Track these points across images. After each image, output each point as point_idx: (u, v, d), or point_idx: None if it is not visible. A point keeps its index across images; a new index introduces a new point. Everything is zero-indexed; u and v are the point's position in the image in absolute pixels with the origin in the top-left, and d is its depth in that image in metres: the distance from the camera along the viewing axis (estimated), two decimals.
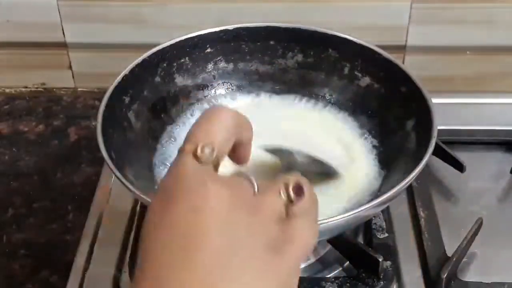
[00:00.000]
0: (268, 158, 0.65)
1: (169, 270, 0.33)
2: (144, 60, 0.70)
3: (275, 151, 0.65)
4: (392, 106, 0.70)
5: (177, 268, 0.33)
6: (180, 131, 0.72)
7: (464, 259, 0.66)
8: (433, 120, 0.62)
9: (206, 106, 0.75)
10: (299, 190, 0.37)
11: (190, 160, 0.37)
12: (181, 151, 0.38)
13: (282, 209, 0.37)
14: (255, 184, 0.37)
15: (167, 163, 0.69)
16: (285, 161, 0.65)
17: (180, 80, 0.74)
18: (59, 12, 0.89)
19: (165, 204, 0.36)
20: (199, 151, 0.37)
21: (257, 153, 0.58)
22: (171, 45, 0.72)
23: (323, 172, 0.65)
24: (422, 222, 0.69)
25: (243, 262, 0.34)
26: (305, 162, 0.64)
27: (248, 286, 0.33)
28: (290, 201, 0.37)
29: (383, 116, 0.71)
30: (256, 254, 0.34)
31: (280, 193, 0.37)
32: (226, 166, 0.41)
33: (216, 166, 0.38)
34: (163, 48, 0.72)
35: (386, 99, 0.71)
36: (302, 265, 0.66)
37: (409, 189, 0.72)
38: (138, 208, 0.71)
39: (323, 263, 0.67)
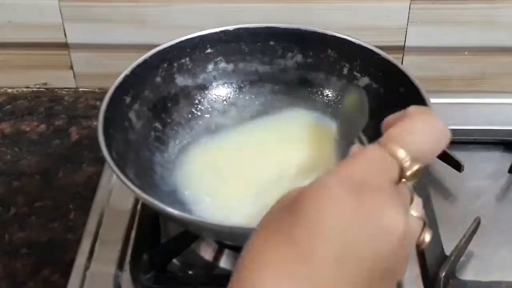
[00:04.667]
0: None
1: None
2: (145, 61, 0.70)
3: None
4: (391, 106, 0.70)
5: None
6: (180, 131, 0.73)
7: (462, 258, 0.66)
8: None
9: (206, 106, 0.75)
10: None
11: (385, 156, 0.37)
12: (381, 144, 0.37)
13: None
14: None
15: (168, 163, 0.70)
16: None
17: (181, 80, 0.74)
18: (61, 13, 0.89)
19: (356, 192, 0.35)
20: (400, 155, 0.37)
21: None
22: (172, 45, 0.72)
23: None
24: None
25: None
26: None
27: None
28: None
29: (382, 115, 0.71)
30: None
31: None
32: None
33: (401, 174, 0.37)
34: (164, 49, 0.72)
35: (385, 99, 0.71)
36: None
37: None
38: (139, 207, 0.72)
39: None
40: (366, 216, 0.34)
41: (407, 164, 0.37)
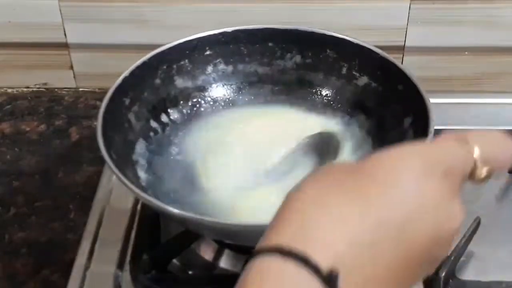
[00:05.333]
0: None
1: None
2: (144, 62, 0.70)
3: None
4: (390, 105, 0.71)
5: None
6: (179, 132, 0.73)
7: (462, 258, 0.66)
8: (430, 118, 0.63)
9: (206, 107, 0.75)
10: None
11: (464, 149, 0.38)
12: (459, 139, 0.38)
13: None
14: None
15: (167, 164, 0.70)
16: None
17: (180, 82, 0.74)
18: (61, 13, 0.89)
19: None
20: (476, 153, 0.38)
21: None
22: (171, 47, 0.72)
23: None
24: None
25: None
26: None
27: None
28: None
29: (381, 114, 0.72)
30: None
31: None
32: None
33: (472, 173, 0.38)
34: (163, 51, 0.72)
35: (384, 97, 0.71)
36: None
37: None
38: (139, 207, 0.72)
39: None
40: (436, 198, 0.35)
41: (479, 164, 0.38)
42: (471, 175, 0.38)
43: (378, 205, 0.34)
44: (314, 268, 0.32)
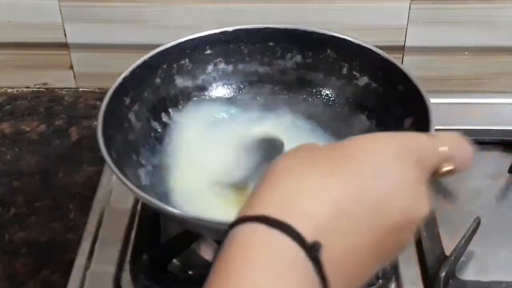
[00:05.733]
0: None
1: None
2: (144, 62, 0.70)
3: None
4: (390, 105, 0.71)
5: None
6: (180, 132, 0.73)
7: (462, 258, 0.66)
8: (431, 118, 0.63)
9: (206, 107, 0.75)
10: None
11: (434, 144, 0.41)
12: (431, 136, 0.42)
13: None
14: None
15: (167, 164, 0.70)
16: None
17: (180, 82, 0.74)
18: (61, 13, 0.89)
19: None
20: (443, 150, 0.41)
21: None
22: (171, 46, 0.72)
23: None
24: None
25: None
26: None
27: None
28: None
29: (381, 115, 0.72)
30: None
31: None
32: None
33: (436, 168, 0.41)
34: (163, 50, 0.72)
35: (384, 98, 0.71)
36: None
37: None
38: (139, 207, 0.72)
39: None
40: (409, 181, 0.38)
41: (444, 160, 0.41)
42: (436, 169, 0.41)
43: (358, 178, 0.36)
44: (298, 238, 0.33)
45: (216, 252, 0.34)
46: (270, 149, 0.69)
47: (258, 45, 0.75)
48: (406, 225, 0.38)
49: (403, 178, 0.38)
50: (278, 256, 0.33)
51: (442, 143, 0.41)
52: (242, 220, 0.34)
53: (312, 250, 0.33)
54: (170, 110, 0.73)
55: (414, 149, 0.39)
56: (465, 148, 0.43)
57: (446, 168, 0.41)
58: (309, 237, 0.33)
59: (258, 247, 0.33)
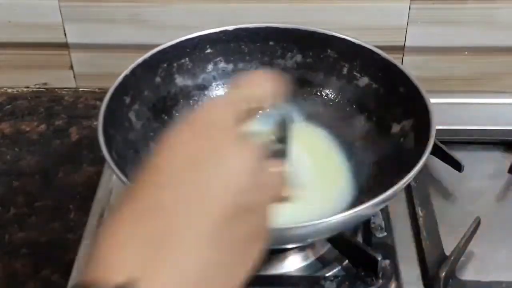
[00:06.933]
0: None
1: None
2: (144, 61, 0.70)
3: None
4: (391, 106, 0.71)
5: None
6: None
7: (462, 258, 0.66)
8: (432, 120, 0.63)
9: None
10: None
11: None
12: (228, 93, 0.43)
13: None
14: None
15: None
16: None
17: (180, 81, 0.74)
18: (61, 13, 0.89)
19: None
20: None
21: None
22: (172, 45, 0.73)
23: None
24: (421, 221, 0.70)
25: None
26: None
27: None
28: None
29: (382, 115, 0.71)
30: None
31: None
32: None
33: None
34: (164, 49, 0.72)
35: (385, 98, 0.71)
36: (302, 264, 0.66)
37: (408, 189, 0.73)
38: None
39: (322, 261, 0.67)
40: (212, 153, 0.37)
41: (245, 102, 0.41)
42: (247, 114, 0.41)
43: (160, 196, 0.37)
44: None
45: None
46: None
47: (258, 44, 0.75)
48: (234, 197, 0.37)
49: (207, 158, 0.37)
50: None
51: (242, 88, 0.42)
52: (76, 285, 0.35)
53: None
54: (170, 109, 0.73)
55: (207, 121, 0.39)
56: (262, 85, 0.43)
57: (250, 107, 0.41)
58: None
59: None
